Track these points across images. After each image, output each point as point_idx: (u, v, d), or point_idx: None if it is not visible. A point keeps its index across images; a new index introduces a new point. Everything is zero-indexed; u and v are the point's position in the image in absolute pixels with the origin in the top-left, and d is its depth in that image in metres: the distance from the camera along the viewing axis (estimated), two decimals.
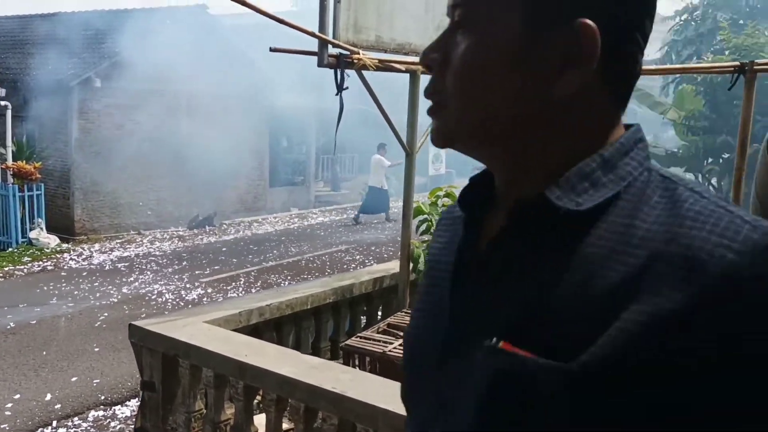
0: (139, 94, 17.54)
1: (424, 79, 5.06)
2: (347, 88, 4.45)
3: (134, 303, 11.66)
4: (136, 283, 12.94)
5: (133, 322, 4.01)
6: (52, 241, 15.86)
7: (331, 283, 5.06)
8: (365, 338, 4.22)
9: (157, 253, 15.72)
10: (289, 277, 12.96)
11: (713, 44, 13.76)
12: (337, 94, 4.45)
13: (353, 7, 4.47)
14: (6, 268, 13.84)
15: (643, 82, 20.97)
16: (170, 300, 11.90)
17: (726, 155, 11.22)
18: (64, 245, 15.96)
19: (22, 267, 14.20)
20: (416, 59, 4.99)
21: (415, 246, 5.30)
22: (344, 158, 26.75)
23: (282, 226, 19.62)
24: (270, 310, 4.46)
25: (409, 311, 4.88)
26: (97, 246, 16.32)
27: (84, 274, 13.55)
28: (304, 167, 24.36)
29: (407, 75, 4.97)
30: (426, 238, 5.60)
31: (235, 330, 4.24)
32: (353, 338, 4.25)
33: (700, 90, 11.29)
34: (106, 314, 11.04)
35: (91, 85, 16.73)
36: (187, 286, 12.86)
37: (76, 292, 12.21)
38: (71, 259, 14.98)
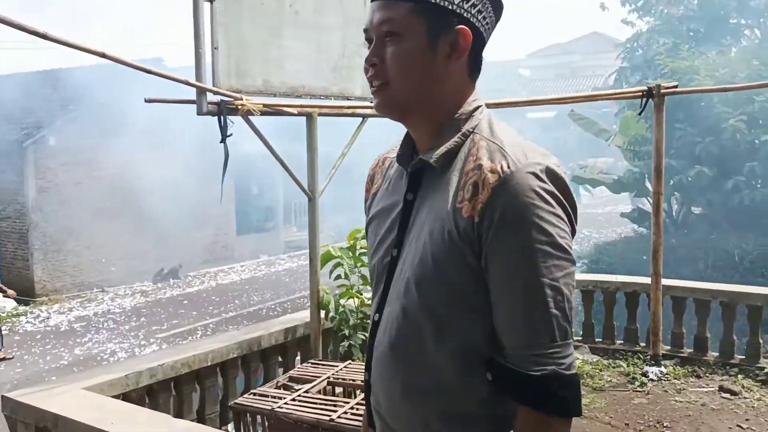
0: (97, 149, 17.34)
1: (322, 121, 4.96)
2: (231, 135, 4.33)
3: (85, 364, 11.34)
4: (90, 344, 12.63)
5: (5, 394, 3.79)
6: (9, 304, 15.49)
7: (237, 337, 4.85)
8: (259, 394, 4.02)
9: (117, 310, 15.41)
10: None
11: (660, 70, 13.91)
12: (221, 142, 4.32)
13: (234, 54, 4.37)
14: None
15: (590, 110, 21.06)
16: (122, 359, 11.58)
17: (674, 179, 11.22)
18: (21, 308, 15.59)
19: None
20: (312, 102, 4.90)
21: (324, 293, 5.12)
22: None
23: (248, 275, 19.37)
24: (163, 370, 4.25)
25: (319, 361, 4.69)
26: (56, 306, 15.98)
27: (38, 337, 13.21)
28: (273, 213, 24.18)
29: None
30: (342, 284, 5.44)
31: (123, 394, 4.03)
32: (246, 395, 4.04)
33: (641, 115, 11.33)
34: (54, 378, 10.72)
35: (45, 144, 16.57)
36: (142, 343, 12.56)
37: (26, 357, 11.88)
38: (27, 321, 14.62)
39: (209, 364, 4.55)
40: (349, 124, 5.37)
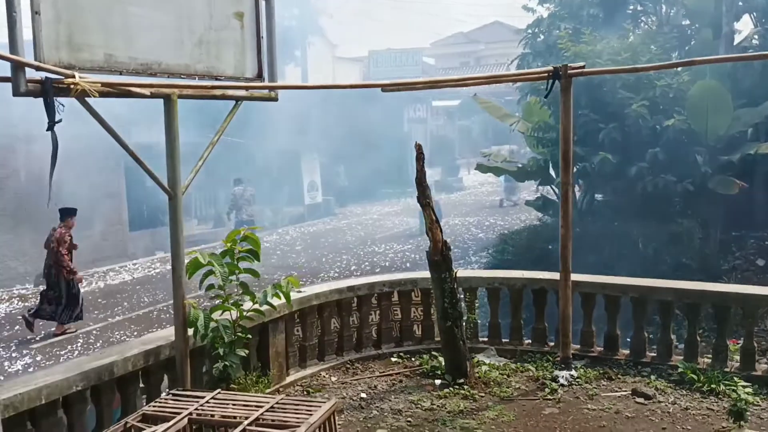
0: None
1: (183, 104, 4.19)
2: (60, 120, 3.50)
3: None
4: None
5: None
6: None
7: (83, 365, 4.03)
8: None
9: None
10: (135, 332, 11.63)
11: (562, 55, 13.71)
12: (47, 129, 3.48)
13: (64, 20, 3.54)
14: None
15: (493, 98, 20.88)
16: None
17: (577, 166, 11.02)
18: None
19: None
20: (169, 81, 4.11)
21: (192, 307, 4.37)
22: (219, 194, 25.27)
23: (141, 274, 18.09)
24: None
25: (182, 391, 3.93)
26: None
27: None
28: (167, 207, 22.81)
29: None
30: (217, 294, 4.70)
31: None
32: None
33: (544, 101, 11.09)
34: None
35: None
36: (14, 354, 11.28)
37: None
38: None
39: (43, 402, 3.71)
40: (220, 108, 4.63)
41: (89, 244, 19.34)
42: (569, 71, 5.16)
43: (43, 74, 3.48)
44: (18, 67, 3.34)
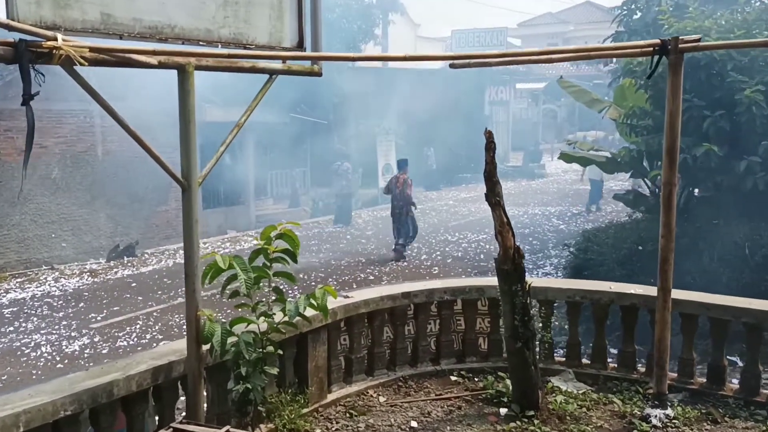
0: (44, 115, 15.95)
1: (200, 76, 3.47)
2: (37, 93, 2.84)
3: (0, 361, 9.91)
4: (14, 334, 11.16)
5: None
6: None
7: (76, 385, 3.41)
8: None
9: (57, 292, 13.92)
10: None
11: (663, 33, 12.35)
12: (23, 104, 2.83)
13: None
14: None
15: (581, 82, 19.49)
16: (46, 354, 10.16)
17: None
18: None
19: None
20: (183, 47, 3.40)
21: (208, 320, 3.69)
22: (296, 173, 24.94)
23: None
24: None
25: (186, 425, 3.26)
26: None
27: None
28: (244, 185, 22.66)
29: None
30: (243, 303, 4.01)
31: None
32: None
33: (640, 83, 9.89)
34: None
35: None
36: (73, 334, 11.11)
37: None
38: None
39: (23, 430, 3.11)
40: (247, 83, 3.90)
41: (163, 221, 19.38)
42: (680, 45, 4.15)
43: (17, 36, 2.81)
44: None
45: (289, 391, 4.56)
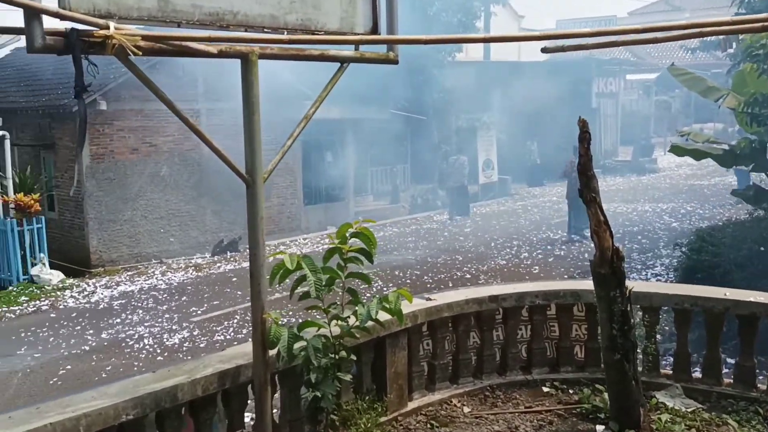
0: (153, 115, 16.69)
1: (264, 66, 3.27)
2: (90, 85, 2.72)
3: (106, 351, 10.30)
4: (120, 326, 11.62)
5: None
6: (55, 277, 14.82)
7: (139, 388, 3.31)
8: None
9: (163, 286, 14.43)
10: (291, 312, 11.25)
11: None
12: (75, 96, 2.72)
13: None
14: None
15: (696, 66, 18.13)
16: (147, 346, 10.48)
17: None
18: (69, 281, 14.90)
19: (15, 308, 13.14)
20: (246, 34, 3.21)
21: (274, 323, 3.50)
22: (397, 170, 24.84)
23: (309, 249, 18.04)
24: None
25: None
26: (104, 280, 15.20)
27: (73, 315, 12.34)
28: (344, 181, 22.79)
29: None
30: (313, 304, 3.80)
31: None
32: None
33: (764, 68, 8.95)
34: (69, 367, 9.72)
35: (96, 108, 15.68)
36: (174, 327, 11.42)
37: (51, 339, 10.98)
38: (71, 296, 13.85)
39: None
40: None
41: (266, 217, 19.80)
42: None
43: (68, 25, 2.70)
44: (32, 14, 2.58)
45: (367, 398, 4.33)
